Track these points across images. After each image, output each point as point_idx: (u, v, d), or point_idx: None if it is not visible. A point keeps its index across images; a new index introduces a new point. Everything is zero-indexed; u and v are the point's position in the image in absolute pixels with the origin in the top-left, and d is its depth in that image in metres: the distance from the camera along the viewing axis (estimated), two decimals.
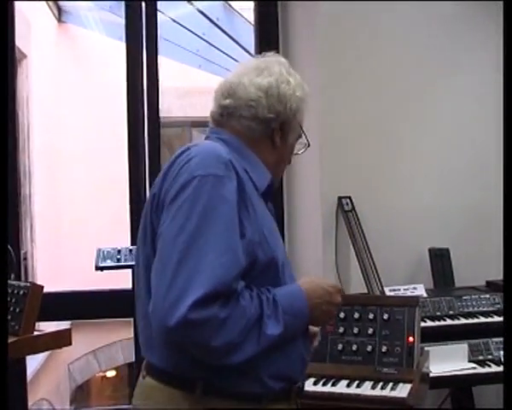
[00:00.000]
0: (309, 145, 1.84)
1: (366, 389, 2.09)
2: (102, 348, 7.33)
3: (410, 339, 2.22)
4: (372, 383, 2.13)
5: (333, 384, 2.13)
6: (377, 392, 2.07)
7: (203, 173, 1.49)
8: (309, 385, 2.13)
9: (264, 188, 1.66)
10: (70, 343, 2.93)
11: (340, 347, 2.26)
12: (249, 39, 4.03)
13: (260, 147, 1.71)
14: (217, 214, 1.46)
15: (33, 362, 5.75)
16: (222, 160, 1.53)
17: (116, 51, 3.85)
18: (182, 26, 6.75)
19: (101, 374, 7.89)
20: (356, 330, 2.32)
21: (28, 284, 2.79)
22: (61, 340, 2.93)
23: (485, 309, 3.17)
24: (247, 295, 1.46)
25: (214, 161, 1.52)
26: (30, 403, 5.53)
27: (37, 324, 3.97)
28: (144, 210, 1.64)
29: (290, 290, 1.56)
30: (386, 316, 2.27)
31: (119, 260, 3.08)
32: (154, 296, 1.43)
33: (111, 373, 7.91)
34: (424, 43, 3.68)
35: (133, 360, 3.74)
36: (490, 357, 2.97)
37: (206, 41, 6.85)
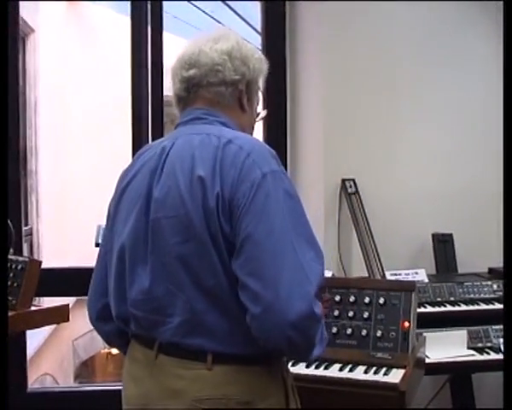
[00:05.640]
0: (266, 114, 1.90)
1: (359, 374, 2.06)
2: None
3: (406, 324, 2.19)
4: (365, 367, 2.11)
5: (325, 368, 2.11)
6: (370, 377, 2.04)
7: (268, 170, 1.52)
8: (301, 368, 2.11)
9: None
10: (68, 319, 2.92)
11: (334, 330, 2.23)
12: (257, 17, 3.98)
13: (233, 113, 1.72)
14: (296, 211, 1.52)
15: (37, 337, 5.78)
16: (272, 154, 1.58)
17: (124, 27, 3.81)
18: (191, 3, 6.71)
19: (106, 351, 7.93)
20: (351, 314, 2.28)
21: (26, 259, 2.78)
22: (58, 316, 2.91)
23: (486, 296, 3.15)
24: None
25: (269, 155, 1.56)
26: (33, 378, 5.58)
27: (41, 299, 4.00)
28: (175, 206, 1.55)
29: None
30: (382, 300, 2.24)
31: None
32: (265, 296, 1.43)
33: (116, 350, 7.94)
34: (425, 35, 3.70)
35: None
36: (489, 344, 2.95)
37: (216, 19, 6.81)
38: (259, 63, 1.77)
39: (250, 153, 1.53)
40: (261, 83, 1.81)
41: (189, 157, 1.57)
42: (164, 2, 3.70)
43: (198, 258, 1.52)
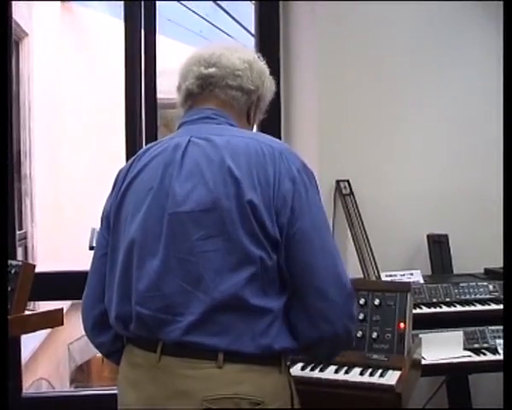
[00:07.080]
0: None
1: (354, 376, 2.05)
2: None
3: (401, 325, 2.18)
4: (361, 369, 2.09)
5: (321, 370, 2.09)
6: (365, 379, 2.02)
7: (300, 165, 1.63)
8: (296, 370, 2.10)
9: None
10: (62, 323, 2.90)
11: None
12: (251, 20, 3.97)
13: (241, 121, 1.76)
14: (320, 201, 1.67)
15: (32, 342, 5.75)
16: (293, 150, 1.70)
17: (118, 31, 3.80)
18: (185, 6, 6.70)
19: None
20: None
21: (20, 263, 2.76)
22: (52, 320, 2.89)
23: (482, 297, 3.14)
24: None
25: (293, 151, 1.67)
26: (29, 383, 5.55)
27: (36, 303, 3.98)
28: (224, 202, 1.54)
29: None
30: (377, 301, 2.23)
31: None
32: (333, 280, 1.58)
33: None
34: (423, 37, 3.69)
35: None
36: (486, 345, 2.94)
37: (210, 22, 6.80)
38: (271, 83, 1.84)
39: (282, 151, 1.61)
40: (266, 103, 1.85)
41: (217, 156, 1.58)
42: (157, 6, 3.68)
43: (223, 255, 1.52)
